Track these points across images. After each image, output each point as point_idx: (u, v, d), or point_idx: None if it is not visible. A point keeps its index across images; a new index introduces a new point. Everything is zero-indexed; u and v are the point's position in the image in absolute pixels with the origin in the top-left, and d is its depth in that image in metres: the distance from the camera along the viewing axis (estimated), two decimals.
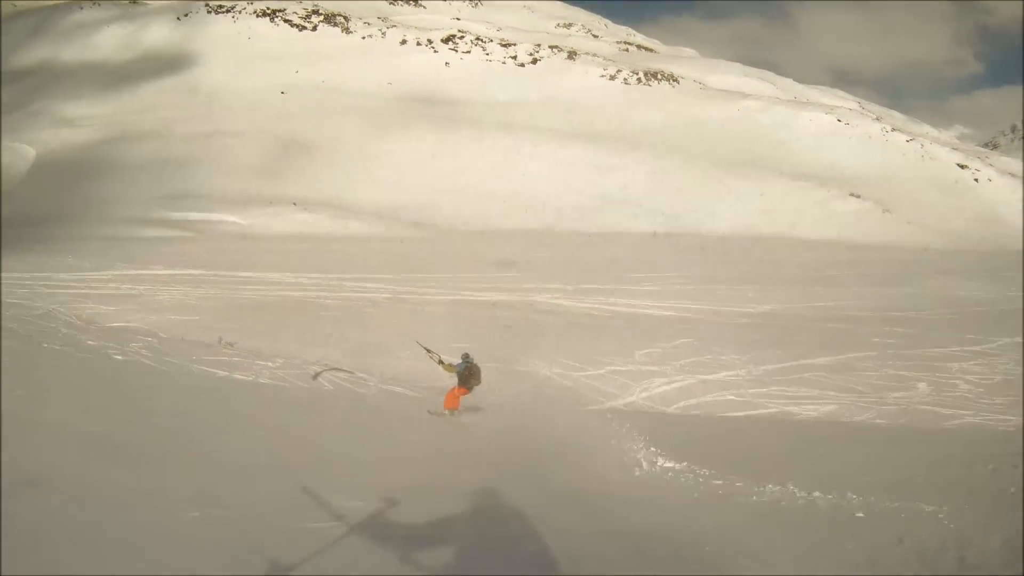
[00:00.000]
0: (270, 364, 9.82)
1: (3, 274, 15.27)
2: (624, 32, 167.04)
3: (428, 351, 8.79)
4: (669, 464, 5.76)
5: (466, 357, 8.76)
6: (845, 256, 28.14)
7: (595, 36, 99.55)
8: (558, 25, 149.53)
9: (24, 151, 43.41)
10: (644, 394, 10.55)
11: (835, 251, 30.28)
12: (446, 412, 8.35)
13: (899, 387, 10.71)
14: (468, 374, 8.64)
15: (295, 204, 33.21)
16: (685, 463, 5.72)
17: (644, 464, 5.87)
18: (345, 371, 10.09)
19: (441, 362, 8.71)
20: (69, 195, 36.22)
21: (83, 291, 15.00)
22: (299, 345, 11.64)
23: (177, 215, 31.57)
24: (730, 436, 8.18)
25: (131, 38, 68.46)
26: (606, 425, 7.92)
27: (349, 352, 11.49)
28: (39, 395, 5.56)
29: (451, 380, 8.62)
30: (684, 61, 79.45)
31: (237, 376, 8.75)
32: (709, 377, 11.18)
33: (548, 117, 56.00)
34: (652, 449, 6.28)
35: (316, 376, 9.67)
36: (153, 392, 7.05)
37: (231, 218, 31.50)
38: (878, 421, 9.26)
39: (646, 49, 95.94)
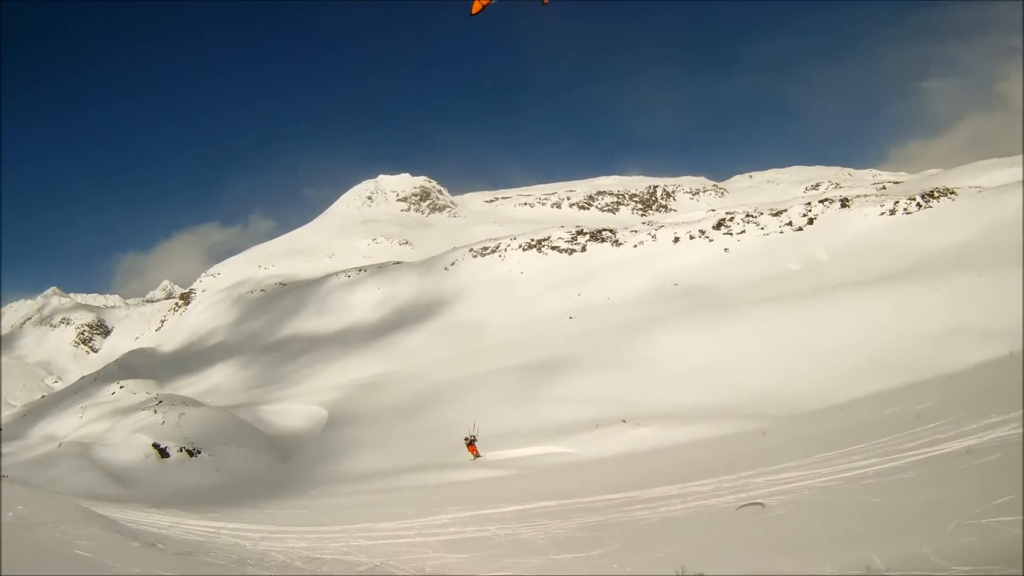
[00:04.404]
0: None
1: (311, 528, 13.03)
2: (869, 174, 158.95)
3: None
4: None
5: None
6: None
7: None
8: (807, 189, 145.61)
9: (317, 412, 45.38)
10: None
11: None
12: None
13: None
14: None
15: (624, 421, 29.10)
16: None
17: None
18: None
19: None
20: (352, 448, 35.91)
21: (415, 539, 11.56)
22: None
23: (494, 454, 28.76)
24: None
25: (397, 292, 76.09)
26: None
27: None
28: None
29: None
30: (955, 171, 73.31)
31: None
32: None
33: (843, 271, 50.34)
34: None
35: None
36: None
37: (558, 449, 27.92)
38: None
39: (894, 183, 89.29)
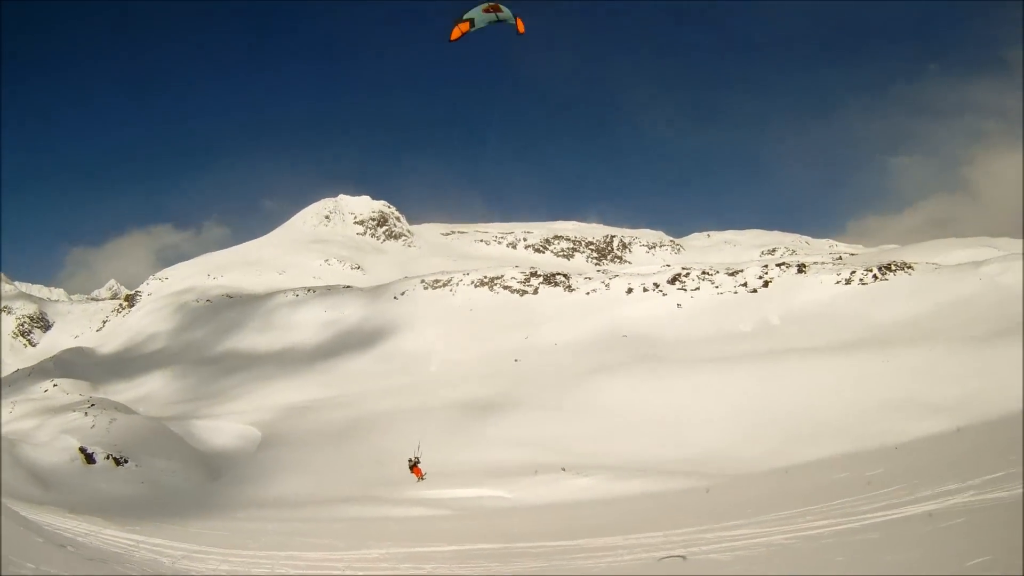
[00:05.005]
0: None
1: (235, 551, 12.40)
2: (826, 244, 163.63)
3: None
4: None
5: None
6: None
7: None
8: (763, 253, 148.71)
9: (251, 432, 43.90)
10: None
11: None
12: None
13: None
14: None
15: (564, 470, 28.31)
16: None
17: None
18: None
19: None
20: (284, 472, 34.83)
21: (345, 572, 10.79)
22: None
23: (425, 494, 27.73)
24: None
25: (343, 316, 74.87)
26: None
27: None
28: None
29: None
30: (912, 248, 74.93)
31: None
32: None
33: (794, 336, 50.90)
34: None
35: None
36: None
37: (494, 492, 27.02)
38: None
39: (851, 255, 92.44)
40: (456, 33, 15.26)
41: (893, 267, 58.87)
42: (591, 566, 10.41)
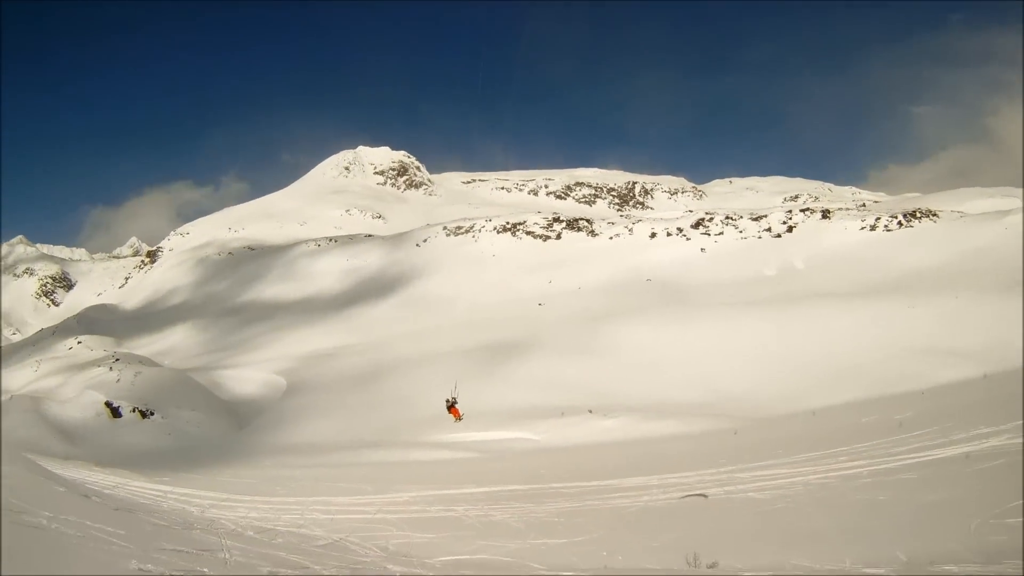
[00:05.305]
0: None
1: (263, 498, 12.30)
2: (849, 192, 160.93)
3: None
4: None
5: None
6: None
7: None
8: (785, 199, 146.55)
9: (275, 380, 44.48)
10: None
11: None
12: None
13: None
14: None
15: (591, 412, 28.41)
16: None
17: None
18: None
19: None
20: (309, 419, 35.07)
21: (376, 516, 10.68)
22: None
23: (451, 437, 27.93)
24: None
25: (365, 264, 74.95)
26: None
27: None
28: None
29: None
30: (936, 196, 73.51)
31: None
32: None
33: (819, 280, 50.28)
34: None
35: None
36: None
37: (521, 434, 27.13)
38: None
39: (874, 202, 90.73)
40: None
41: (918, 214, 57.81)
42: (627, 505, 10.44)
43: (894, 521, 7.25)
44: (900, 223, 56.91)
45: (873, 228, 57.44)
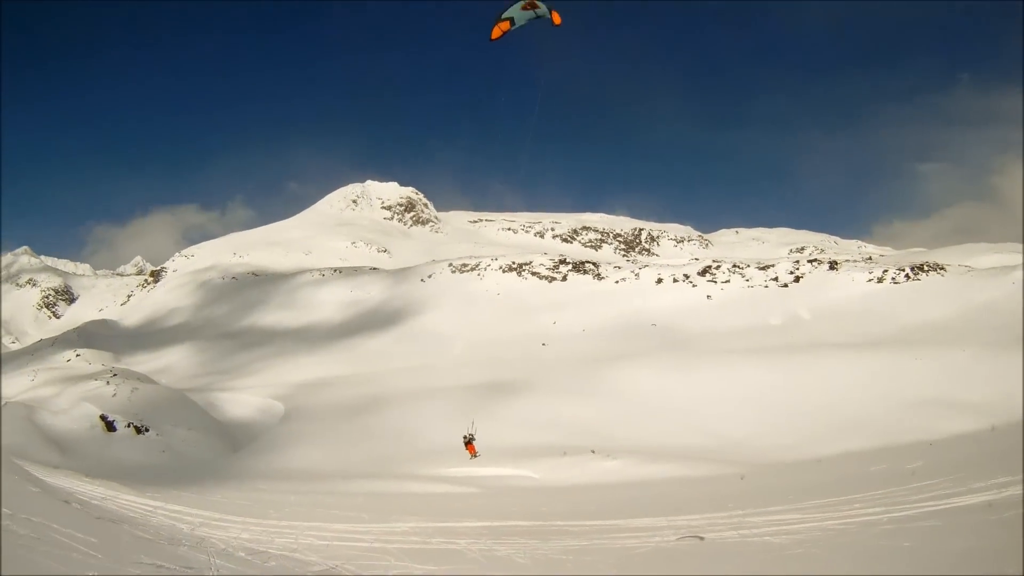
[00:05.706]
0: None
1: (256, 520, 12.28)
2: (855, 245, 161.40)
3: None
4: None
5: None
6: None
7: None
8: (791, 251, 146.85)
9: (272, 405, 44.26)
10: None
11: None
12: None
13: None
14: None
15: (593, 452, 28.09)
16: None
17: None
18: None
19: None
20: (304, 446, 34.74)
21: (373, 545, 10.30)
22: None
23: (449, 471, 27.55)
24: None
25: (368, 296, 74.73)
26: None
27: None
28: None
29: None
30: (943, 251, 74.69)
31: None
32: None
33: (825, 331, 50.14)
34: None
35: None
36: None
37: (520, 472, 26.78)
38: None
39: (880, 256, 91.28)
40: (496, 32, 15.14)
41: (926, 268, 57.78)
42: (636, 545, 10.07)
43: (923, 568, 6.91)
44: (908, 276, 56.84)
45: (880, 280, 57.37)
